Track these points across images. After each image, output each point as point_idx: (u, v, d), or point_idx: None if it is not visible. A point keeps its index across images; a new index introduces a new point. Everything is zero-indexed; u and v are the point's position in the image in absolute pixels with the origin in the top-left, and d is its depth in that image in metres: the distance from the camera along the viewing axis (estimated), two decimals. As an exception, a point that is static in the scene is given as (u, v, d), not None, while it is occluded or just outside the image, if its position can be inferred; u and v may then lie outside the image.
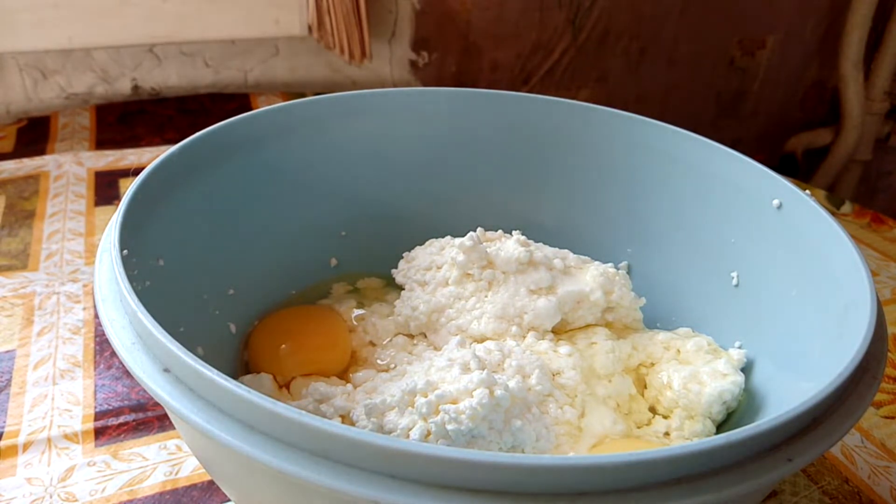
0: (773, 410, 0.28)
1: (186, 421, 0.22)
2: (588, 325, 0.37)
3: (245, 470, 0.25)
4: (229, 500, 0.36)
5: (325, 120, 0.41)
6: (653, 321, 0.39)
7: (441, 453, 0.20)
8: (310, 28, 0.81)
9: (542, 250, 0.38)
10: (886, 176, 1.08)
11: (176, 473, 0.37)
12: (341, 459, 0.20)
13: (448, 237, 0.40)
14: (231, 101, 0.80)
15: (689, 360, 0.35)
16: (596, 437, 0.31)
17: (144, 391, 0.35)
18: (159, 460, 0.38)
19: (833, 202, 0.68)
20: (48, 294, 0.49)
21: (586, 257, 0.40)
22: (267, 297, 0.39)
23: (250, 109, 0.38)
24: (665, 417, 0.34)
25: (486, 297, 0.36)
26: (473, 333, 0.35)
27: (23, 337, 0.46)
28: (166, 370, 0.23)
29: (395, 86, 0.87)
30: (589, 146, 0.42)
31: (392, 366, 0.36)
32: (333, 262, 0.43)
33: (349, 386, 0.34)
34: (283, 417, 0.21)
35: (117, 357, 0.34)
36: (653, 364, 0.36)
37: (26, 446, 0.38)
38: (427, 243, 0.41)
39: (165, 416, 0.40)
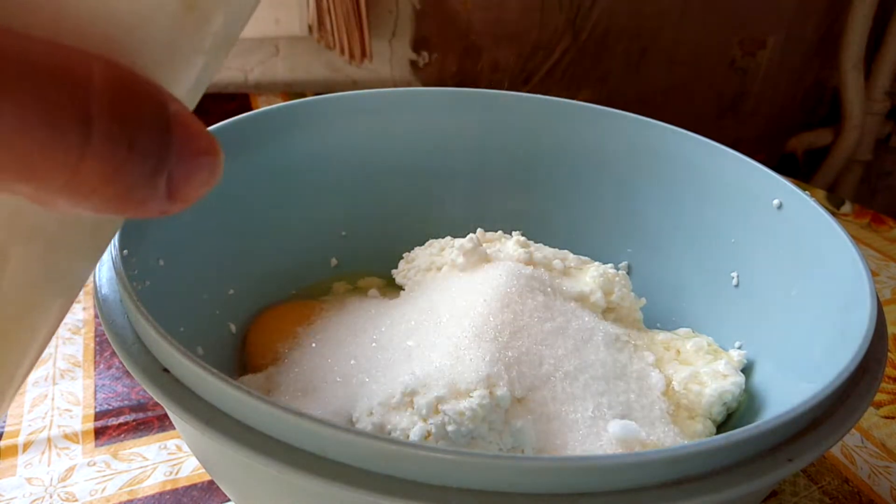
0: (774, 411, 0.28)
1: (186, 421, 0.22)
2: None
3: (245, 470, 0.25)
4: (229, 500, 0.36)
5: (326, 120, 0.41)
6: (653, 321, 0.39)
7: (441, 453, 0.20)
8: (310, 28, 0.81)
9: (541, 251, 0.38)
10: (886, 176, 1.08)
11: (176, 473, 0.37)
12: (341, 459, 0.20)
13: (448, 237, 0.40)
14: (231, 101, 0.80)
15: (690, 360, 0.35)
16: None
17: (144, 391, 0.35)
18: (159, 460, 0.38)
19: (833, 202, 0.68)
20: (48, 294, 0.49)
21: (586, 258, 0.40)
22: (267, 297, 0.39)
23: (250, 109, 0.38)
24: (665, 417, 0.34)
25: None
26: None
27: (23, 337, 0.46)
28: (166, 370, 0.23)
29: (395, 86, 0.87)
30: (589, 146, 0.42)
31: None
32: (333, 262, 0.43)
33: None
34: (283, 417, 0.21)
35: (117, 357, 0.34)
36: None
37: (26, 446, 0.38)
38: (427, 244, 0.41)
39: (165, 416, 0.40)
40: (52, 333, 0.21)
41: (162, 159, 0.13)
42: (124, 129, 0.13)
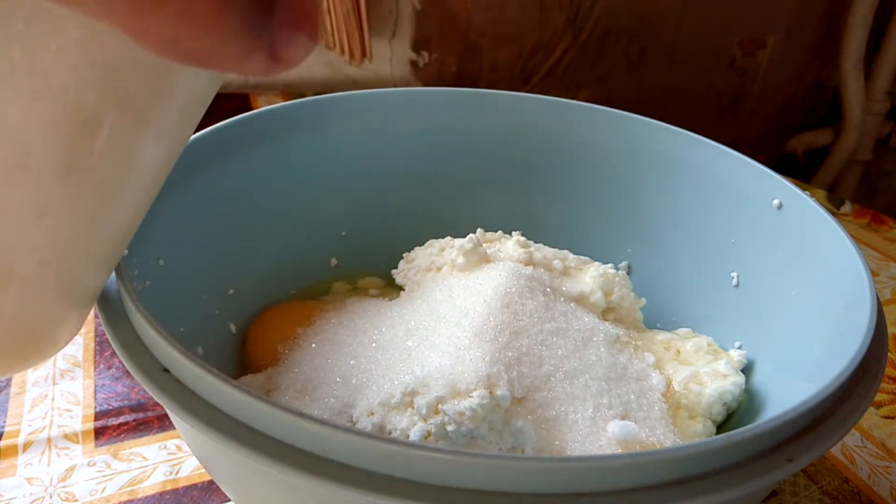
0: (774, 411, 0.28)
1: (186, 421, 0.22)
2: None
3: (245, 470, 0.25)
4: (229, 500, 0.36)
5: (325, 120, 0.41)
6: (653, 321, 0.39)
7: (441, 453, 0.20)
8: (310, 28, 0.81)
9: (541, 251, 0.38)
10: (886, 176, 1.08)
11: (176, 473, 0.37)
12: (341, 459, 0.20)
13: (448, 237, 0.40)
14: (231, 101, 0.80)
15: (690, 360, 0.35)
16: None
17: (144, 391, 0.35)
18: (159, 460, 0.38)
19: (833, 202, 0.68)
20: (48, 294, 0.49)
21: (586, 258, 0.40)
22: (267, 297, 0.39)
23: (250, 109, 0.38)
24: (665, 417, 0.34)
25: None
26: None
27: (23, 337, 0.46)
28: (166, 370, 0.23)
29: (395, 86, 0.87)
30: (589, 146, 0.42)
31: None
32: (333, 262, 0.43)
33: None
34: (283, 417, 0.21)
35: (117, 357, 0.34)
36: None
37: (26, 446, 0.38)
38: (427, 244, 0.41)
39: (165, 416, 0.40)
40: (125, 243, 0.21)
41: (269, 8, 0.13)
42: None
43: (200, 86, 0.18)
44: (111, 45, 0.15)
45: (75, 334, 0.24)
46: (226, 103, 0.80)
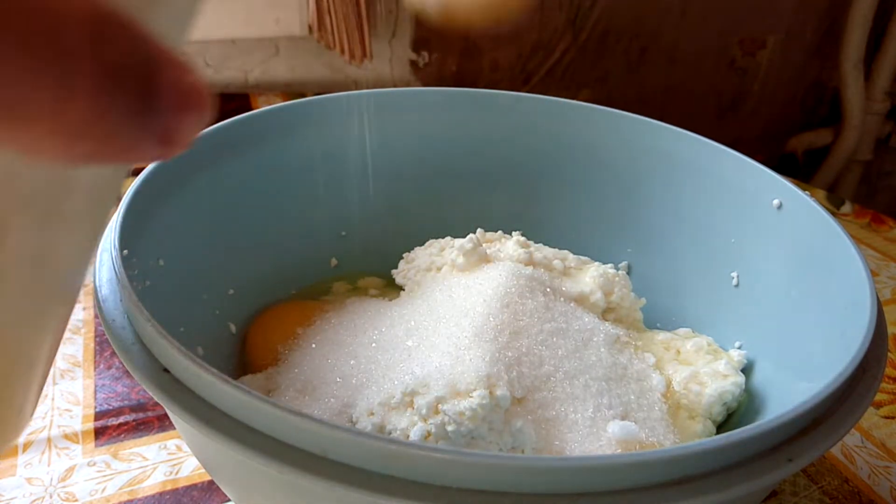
0: (774, 411, 0.28)
1: (186, 421, 0.22)
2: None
3: (245, 470, 0.25)
4: (229, 500, 0.36)
5: (326, 120, 0.41)
6: (653, 321, 0.39)
7: (441, 453, 0.20)
8: (310, 28, 0.81)
9: (541, 251, 0.38)
10: (886, 176, 1.08)
11: (176, 473, 0.37)
12: (341, 459, 0.20)
13: (448, 238, 0.40)
14: (231, 101, 0.80)
15: (690, 360, 0.35)
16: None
17: (144, 391, 0.35)
18: (159, 460, 0.38)
19: (833, 202, 0.68)
20: (48, 294, 0.49)
21: (586, 258, 0.40)
22: (267, 297, 0.39)
23: (250, 109, 0.38)
24: (665, 417, 0.34)
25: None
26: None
27: (23, 337, 0.46)
28: (166, 370, 0.23)
29: (395, 86, 0.87)
30: (589, 146, 0.42)
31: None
32: (333, 262, 0.43)
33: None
34: (283, 417, 0.21)
35: (117, 357, 0.34)
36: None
37: (26, 446, 0.38)
38: (427, 244, 0.41)
39: (165, 416, 0.40)
40: (59, 340, 0.20)
41: (148, 99, 0.13)
42: (107, 66, 0.12)
43: (106, 172, 0.18)
44: (6, 153, 0.15)
45: (23, 430, 0.23)
46: (226, 103, 0.80)
